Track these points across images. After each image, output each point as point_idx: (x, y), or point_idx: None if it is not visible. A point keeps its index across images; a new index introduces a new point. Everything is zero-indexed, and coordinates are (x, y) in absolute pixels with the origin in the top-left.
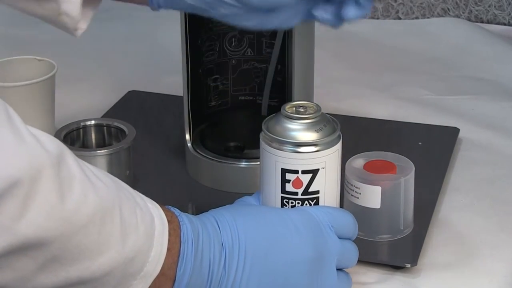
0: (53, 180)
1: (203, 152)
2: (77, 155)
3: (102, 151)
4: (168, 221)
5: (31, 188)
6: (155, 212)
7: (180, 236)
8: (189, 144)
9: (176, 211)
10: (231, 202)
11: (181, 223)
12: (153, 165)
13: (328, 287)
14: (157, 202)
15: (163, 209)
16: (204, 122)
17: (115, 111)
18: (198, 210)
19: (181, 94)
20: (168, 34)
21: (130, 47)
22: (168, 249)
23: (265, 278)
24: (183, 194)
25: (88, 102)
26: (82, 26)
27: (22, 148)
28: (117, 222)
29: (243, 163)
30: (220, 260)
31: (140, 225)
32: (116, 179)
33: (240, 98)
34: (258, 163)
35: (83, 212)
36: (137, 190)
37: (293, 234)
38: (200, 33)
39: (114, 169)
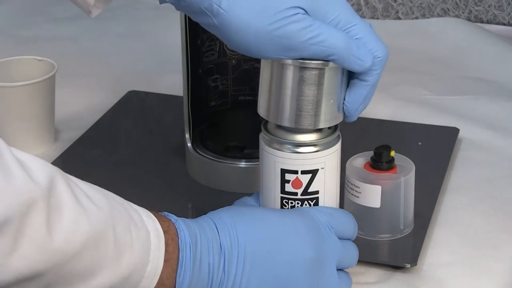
0: (43, 213)
1: (203, 152)
2: None
3: None
4: (165, 232)
5: (21, 224)
6: (151, 226)
7: (178, 243)
8: (189, 144)
9: (173, 218)
10: (231, 202)
11: (178, 230)
12: (153, 165)
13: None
14: (157, 202)
15: (159, 219)
16: (204, 122)
17: (115, 111)
18: (198, 210)
19: (181, 94)
20: (168, 34)
21: (130, 47)
22: (166, 260)
23: (266, 279)
24: (183, 194)
25: (88, 102)
26: (95, 12)
27: (11, 185)
28: (111, 243)
29: (243, 163)
30: (220, 263)
31: (135, 242)
32: (110, 194)
33: (240, 98)
34: (258, 163)
35: (75, 241)
36: (138, 191)
37: (293, 235)
38: (200, 33)
39: None
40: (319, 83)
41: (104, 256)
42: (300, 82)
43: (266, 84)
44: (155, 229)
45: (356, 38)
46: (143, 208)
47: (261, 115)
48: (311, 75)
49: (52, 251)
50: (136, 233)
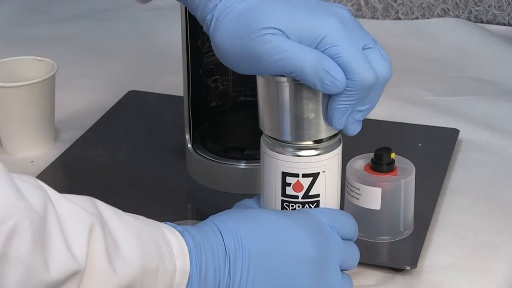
0: (76, 281)
1: (203, 152)
2: None
3: None
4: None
5: None
6: (179, 262)
7: None
8: (189, 145)
9: (177, 229)
10: (231, 203)
11: (185, 242)
12: (153, 165)
13: (333, 287)
14: (157, 203)
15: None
16: (204, 123)
17: (115, 111)
18: (198, 210)
19: (181, 94)
20: (168, 34)
21: (130, 47)
22: None
23: (270, 280)
24: (183, 194)
25: (88, 102)
26: (144, 1)
27: (52, 268)
28: None
29: (243, 164)
30: (225, 267)
31: (159, 284)
32: (143, 228)
33: (240, 98)
34: (258, 164)
35: None
36: (138, 191)
37: (296, 235)
38: (200, 34)
39: None
40: (315, 98)
41: None
42: (295, 98)
43: (263, 101)
44: (183, 264)
45: (335, 58)
46: (179, 236)
47: (263, 131)
48: (305, 91)
49: None
50: (162, 274)
